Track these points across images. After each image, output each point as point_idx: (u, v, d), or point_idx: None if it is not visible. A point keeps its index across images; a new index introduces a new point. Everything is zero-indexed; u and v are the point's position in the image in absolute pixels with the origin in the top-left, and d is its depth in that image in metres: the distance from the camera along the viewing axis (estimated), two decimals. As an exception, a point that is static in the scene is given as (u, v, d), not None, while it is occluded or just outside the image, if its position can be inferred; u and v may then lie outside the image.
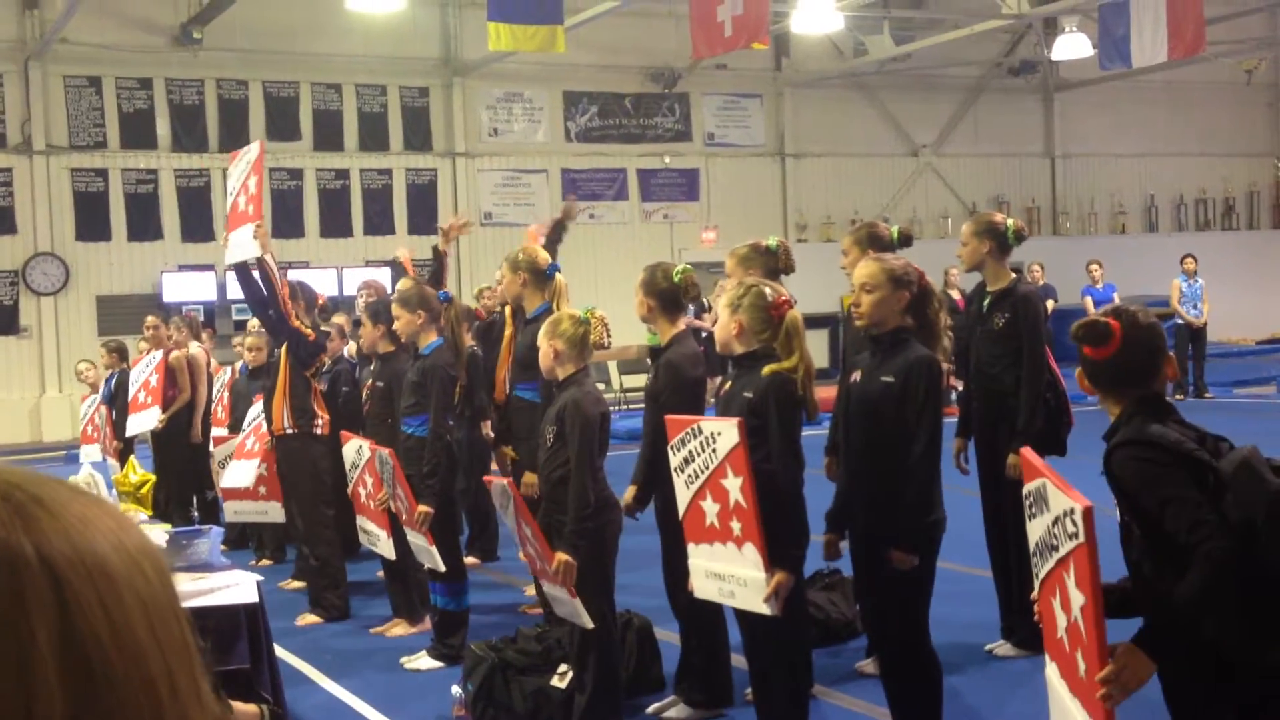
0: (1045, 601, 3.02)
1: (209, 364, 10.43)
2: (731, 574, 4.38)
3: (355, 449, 6.89)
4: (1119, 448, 2.94)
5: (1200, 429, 3.04)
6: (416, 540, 6.36)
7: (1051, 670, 3.09)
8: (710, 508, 4.40)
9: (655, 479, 5.19)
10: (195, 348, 10.49)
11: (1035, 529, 3.06)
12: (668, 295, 5.45)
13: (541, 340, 5.12)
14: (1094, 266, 16.81)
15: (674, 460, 4.55)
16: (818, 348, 17.90)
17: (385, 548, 6.82)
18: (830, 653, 6.14)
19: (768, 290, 4.55)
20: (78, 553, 0.74)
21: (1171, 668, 2.77)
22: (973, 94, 22.87)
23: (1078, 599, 2.72)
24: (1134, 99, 23.43)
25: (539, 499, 5.29)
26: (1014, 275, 6.13)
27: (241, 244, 7.35)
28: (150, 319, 10.84)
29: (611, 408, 5.53)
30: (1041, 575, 3.03)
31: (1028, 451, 3.32)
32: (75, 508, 0.76)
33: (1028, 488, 3.13)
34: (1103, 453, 3.04)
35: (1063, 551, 2.79)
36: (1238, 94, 24.26)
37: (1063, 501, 2.79)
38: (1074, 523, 2.71)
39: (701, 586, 4.58)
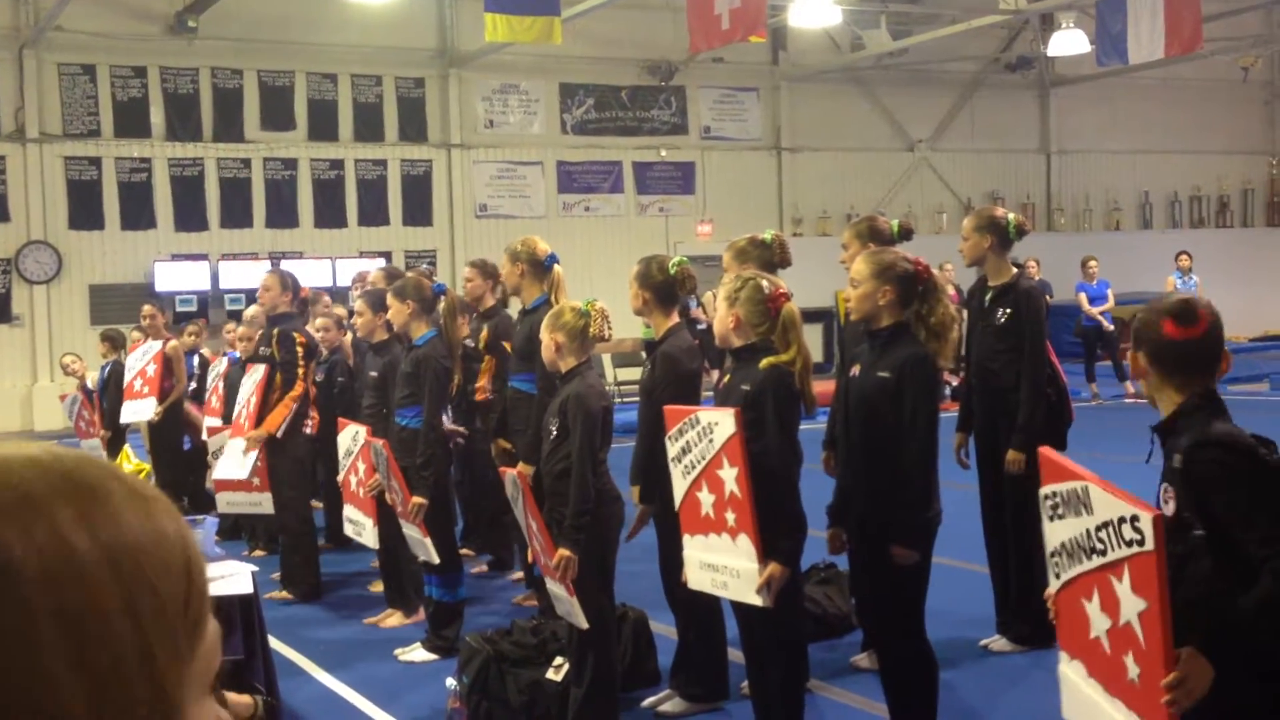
0: (1072, 601, 2.97)
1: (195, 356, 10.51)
2: (725, 565, 4.37)
3: (351, 435, 6.87)
4: (1203, 447, 2.84)
5: (1245, 431, 2.98)
6: (411, 532, 6.34)
7: (1072, 668, 3.03)
8: (706, 498, 4.39)
9: (653, 472, 5.18)
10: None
11: (1060, 530, 2.98)
12: (663, 288, 5.43)
13: (543, 333, 5.10)
14: (1091, 262, 16.82)
15: (671, 450, 4.54)
16: (813, 342, 17.79)
17: (370, 537, 6.81)
18: (826, 647, 6.13)
19: (765, 283, 4.55)
20: (36, 543, 0.71)
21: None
22: (969, 89, 22.85)
23: (1135, 605, 2.67)
24: (1130, 95, 23.43)
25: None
26: (1015, 270, 6.11)
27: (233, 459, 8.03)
28: (147, 308, 10.82)
29: (606, 401, 5.51)
30: (1068, 576, 2.97)
31: (1049, 451, 3.24)
32: (61, 496, 0.73)
33: (1052, 489, 3.05)
34: (1168, 443, 2.94)
35: (1113, 556, 2.73)
36: (1234, 91, 24.26)
37: (1118, 507, 2.72)
38: (1137, 530, 2.64)
39: (695, 578, 4.57)
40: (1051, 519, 3.05)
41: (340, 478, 7.07)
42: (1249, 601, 2.69)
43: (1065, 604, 3.02)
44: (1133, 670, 2.73)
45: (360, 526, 6.89)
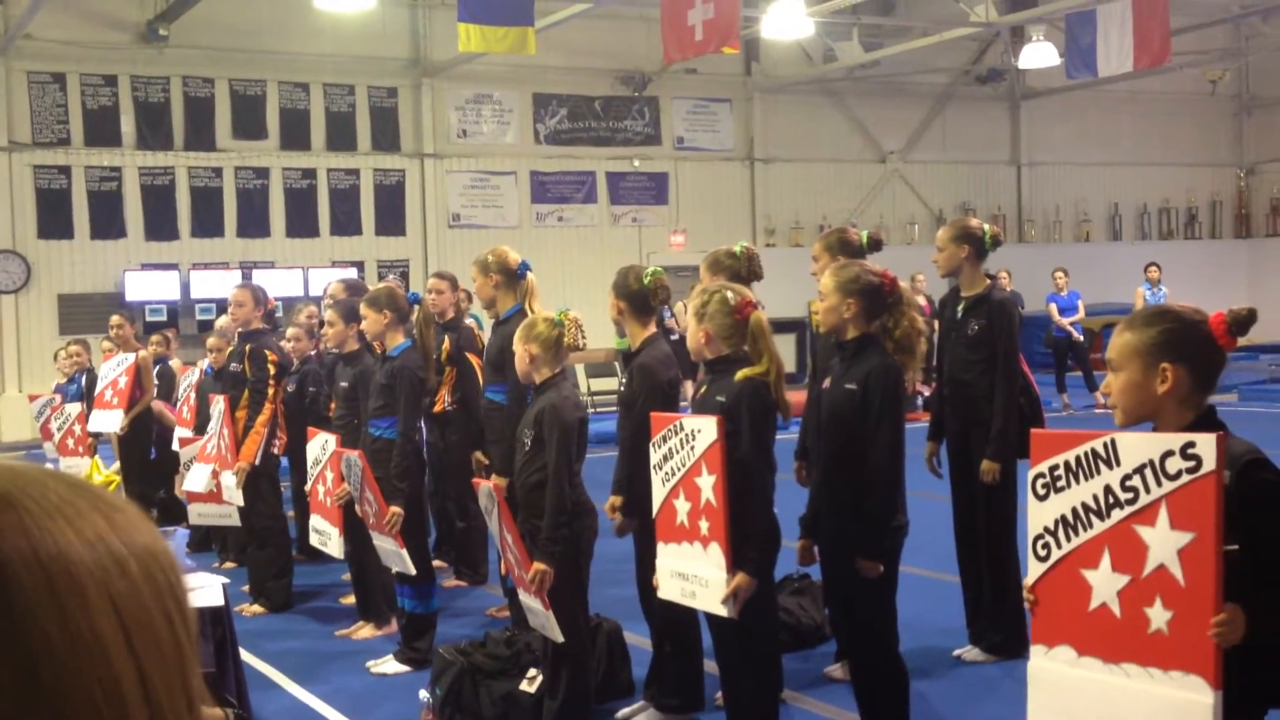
0: (1064, 579, 2.92)
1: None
2: (695, 574, 4.38)
3: (320, 444, 6.83)
4: (1261, 466, 2.77)
5: None
6: (385, 544, 6.30)
7: (1052, 658, 2.97)
8: (682, 506, 4.40)
9: (636, 486, 5.16)
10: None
11: (1055, 505, 2.94)
12: (637, 298, 5.43)
13: (516, 345, 5.09)
14: (1058, 274, 16.95)
15: (654, 457, 4.54)
16: (785, 353, 17.86)
17: (335, 547, 6.79)
18: (800, 657, 6.14)
19: (730, 294, 4.56)
20: (33, 548, 0.74)
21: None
22: (940, 101, 22.98)
23: (1175, 541, 2.68)
24: (1099, 108, 23.61)
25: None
26: (988, 281, 6.15)
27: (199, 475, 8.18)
28: (115, 318, 10.73)
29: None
30: (1063, 552, 2.92)
31: (1042, 431, 3.20)
32: (49, 502, 0.76)
33: (1050, 463, 2.97)
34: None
35: (1146, 499, 2.73)
36: (1202, 104, 24.50)
37: (1162, 443, 2.72)
38: (1191, 456, 2.65)
39: (666, 586, 4.57)
40: (1044, 497, 2.98)
41: (308, 487, 7.03)
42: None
43: (1050, 587, 2.97)
44: (1159, 619, 2.73)
45: (326, 536, 6.86)
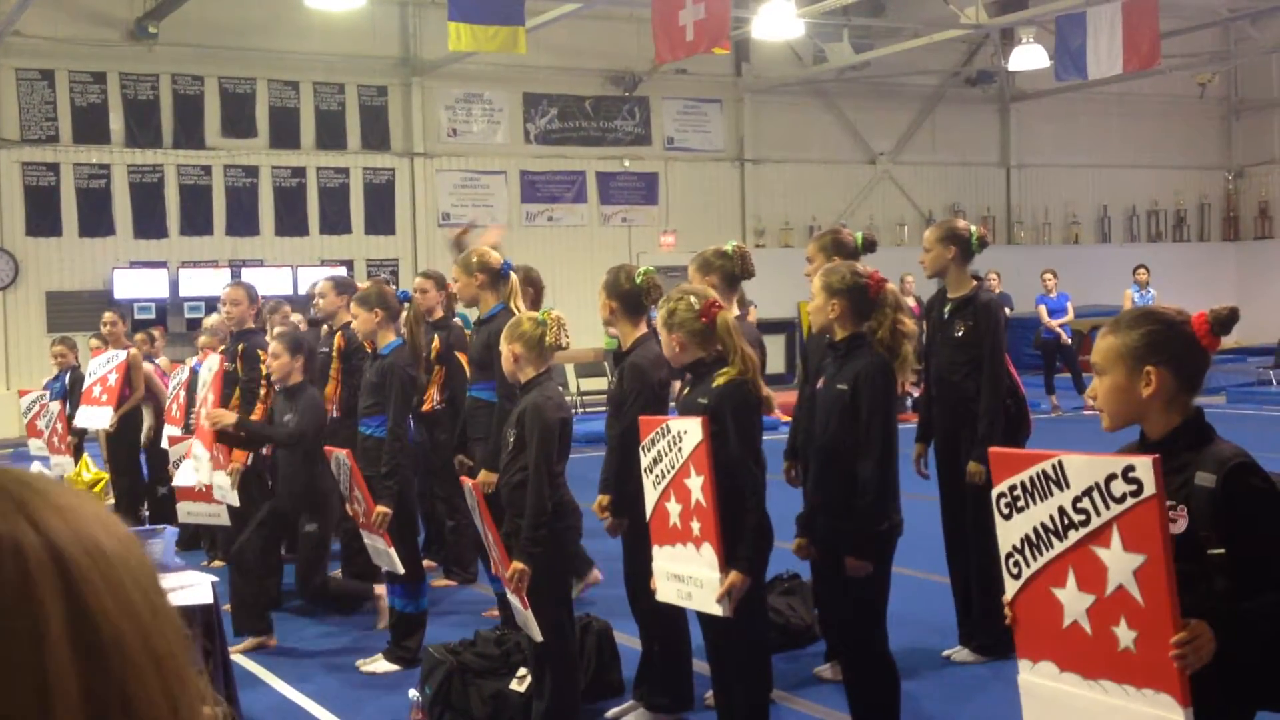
0: (1037, 597, 2.93)
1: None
2: (690, 575, 4.39)
3: (208, 367, 7.00)
4: (1251, 470, 2.76)
5: None
6: (374, 542, 6.30)
7: (1037, 672, 2.98)
8: (674, 508, 4.40)
9: (622, 483, 5.16)
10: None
11: (1020, 524, 2.95)
12: (629, 297, 5.42)
13: (502, 345, 5.09)
14: (1047, 276, 16.99)
15: (644, 460, 4.55)
16: (775, 354, 17.92)
17: (205, 473, 6.90)
18: (789, 657, 6.14)
19: (693, 299, 4.56)
20: (76, 535, 0.76)
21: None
22: (930, 103, 23.02)
23: (1129, 563, 2.68)
24: (1088, 110, 23.68)
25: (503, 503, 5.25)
26: (975, 282, 6.16)
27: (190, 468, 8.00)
28: (107, 315, 10.70)
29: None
30: (1031, 571, 2.93)
31: (1000, 450, 3.20)
32: (54, 492, 0.79)
33: (1009, 483, 2.98)
34: (1167, 461, 2.77)
35: (1098, 522, 2.73)
36: (1191, 107, 24.59)
37: (1105, 466, 2.72)
38: (1132, 480, 2.65)
39: (663, 589, 4.58)
40: (1008, 516, 2.98)
41: (195, 409, 7.10)
42: (1265, 609, 2.68)
43: (1027, 604, 2.98)
44: (1126, 638, 2.73)
45: (199, 462, 6.91)
